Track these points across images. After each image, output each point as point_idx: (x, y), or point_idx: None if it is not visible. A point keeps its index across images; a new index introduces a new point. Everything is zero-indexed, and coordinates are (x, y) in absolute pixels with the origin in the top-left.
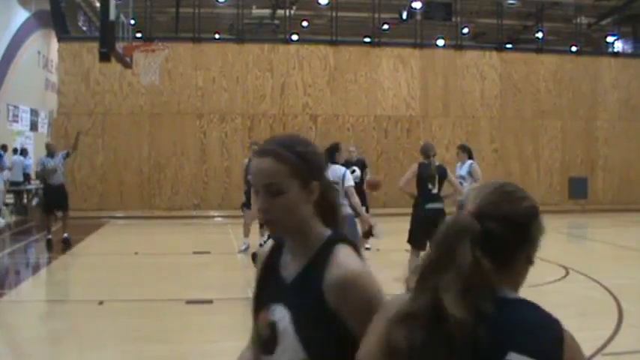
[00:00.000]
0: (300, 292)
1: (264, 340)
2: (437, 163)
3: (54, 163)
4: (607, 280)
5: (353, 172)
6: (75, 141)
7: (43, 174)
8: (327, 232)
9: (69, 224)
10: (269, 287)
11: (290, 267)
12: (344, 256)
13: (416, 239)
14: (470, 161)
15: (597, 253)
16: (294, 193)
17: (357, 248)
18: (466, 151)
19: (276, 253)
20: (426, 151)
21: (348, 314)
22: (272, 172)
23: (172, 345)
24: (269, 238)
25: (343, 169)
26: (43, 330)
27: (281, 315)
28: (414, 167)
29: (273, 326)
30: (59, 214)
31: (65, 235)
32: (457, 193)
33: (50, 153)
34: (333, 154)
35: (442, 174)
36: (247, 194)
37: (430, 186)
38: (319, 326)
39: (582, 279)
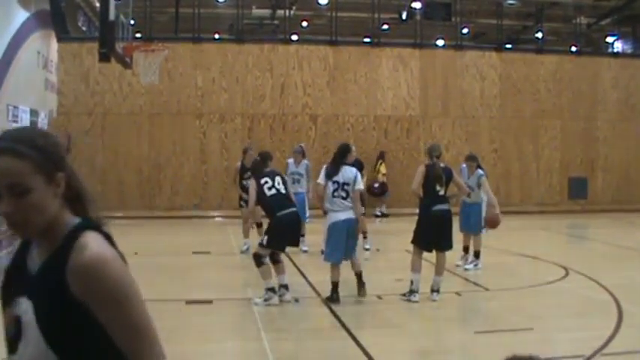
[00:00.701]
0: (43, 282)
1: (10, 338)
2: (442, 165)
3: None
4: (607, 280)
5: None
6: (67, 143)
7: None
8: (76, 220)
9: None
10: (17, 280)
11: (36, 257)
12: (88, 243)
13: (422, 241)
14: (480, 172)
15: (597, 253)
16: (41, 190)
17: (109, 236)
18: (475, 161)
19: (26, 244)
20: (431, 152)
21: (91, 302)
22: (14, 171)
23: (172, 345)
24: (268, 240)
25: (355, 170)
26: None
27: (25, 308)
28: (422, 169)
29: (17, 321)
30: None
31: None
32: (462, 194)
33: None
34: (344, 155)
35: (448, 175)
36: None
37: (438, 187)
38: (62, 316)
39: (582, 279)
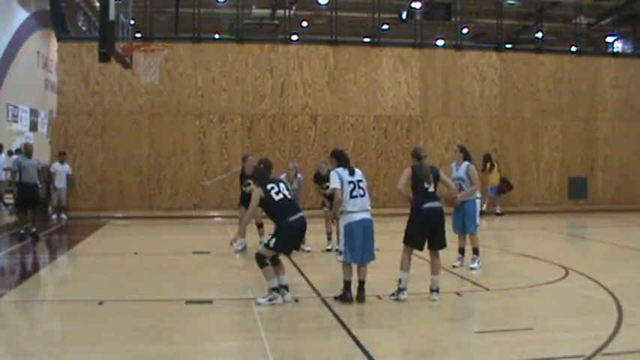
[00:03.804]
0: None
1: None
2: (429, 165)
3: (30, 162)
4: (607, 280)
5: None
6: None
7: (19, 170)
8: None
9: (39, 220)
10: None
11: None
12: None
13: (413, 239)
14: (466, 163)
15: (597, 253)
16: None
17: None
18: (463, 152)
19: None
20: (418, 154)
21: None
22: None
23: (172, 345)
24: (276, 243)
25: (358, 169)
26: (43, 330)
27: None
28: (407, 170)
29: None
30: (29, 211)
31: (34, 229)
32: (452, 193)
33: (28, 153)
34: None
35: (435, 174)
36: (242, 195)
37: (426, 185)
38: None
39: (582, 279)
